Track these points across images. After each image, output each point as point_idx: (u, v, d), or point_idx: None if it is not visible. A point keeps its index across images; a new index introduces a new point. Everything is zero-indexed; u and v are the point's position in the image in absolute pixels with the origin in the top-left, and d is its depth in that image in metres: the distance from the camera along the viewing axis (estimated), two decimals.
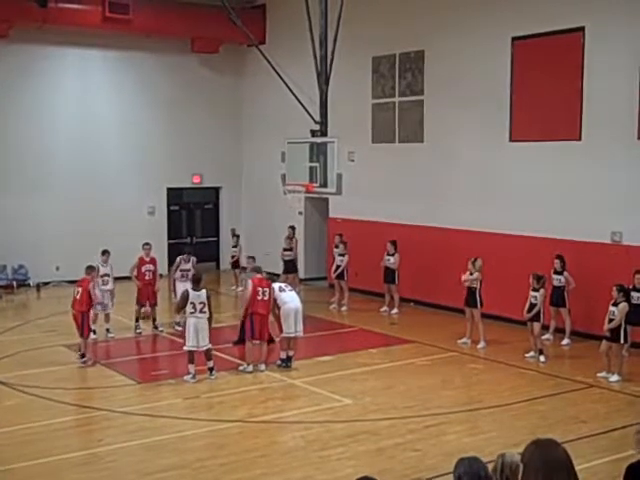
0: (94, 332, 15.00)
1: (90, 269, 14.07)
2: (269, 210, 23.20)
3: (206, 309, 12.67)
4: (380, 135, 19.89)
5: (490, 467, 4.36)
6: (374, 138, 20.05)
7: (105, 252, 15.72)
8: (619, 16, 14.78)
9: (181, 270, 16.32)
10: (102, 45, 21.86)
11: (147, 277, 15.89)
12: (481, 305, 14.76)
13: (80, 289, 13.61)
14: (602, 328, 12.71)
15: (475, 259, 14.80)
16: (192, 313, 12.59)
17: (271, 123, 22.95)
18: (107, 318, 15.55)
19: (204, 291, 12.80)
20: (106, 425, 10.84)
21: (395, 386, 12.50)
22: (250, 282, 13.21)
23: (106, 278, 15.46)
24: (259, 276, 13.42)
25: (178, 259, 16.62)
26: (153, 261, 16.14)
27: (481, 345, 14.81)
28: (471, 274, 14.73)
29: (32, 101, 21.26)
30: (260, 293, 13.04)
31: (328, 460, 9.35)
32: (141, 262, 15.95)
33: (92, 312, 14.39)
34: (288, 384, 12.66)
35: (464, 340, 15.06)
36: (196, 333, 12.53)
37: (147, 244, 16.22)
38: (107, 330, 15.41)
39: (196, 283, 12.98)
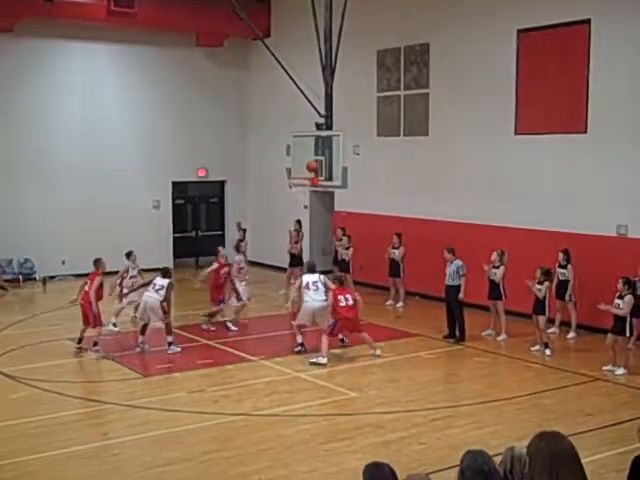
0: (115, 325, 15.37)
1: (97, 262, 14.20)
2: (274, 204, 23.18)
3: (163, 292, 13.66)
4: (385, 128, 19.85)
5: (497, 460, 4.34)
6: (379, 131, 20.02)
7: (131, 253, 15.80)
8: (625, 9, 14.73)
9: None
10: (107, 39, 21.86)
11: (224, 278, 15.75)
12: (505, 297, 14.80)
13: (89, 282, 13.81)
14: (608, 321, 12.70)
15: (502, 251, 14.81)
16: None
17: (276, 116, 22.92)
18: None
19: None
20: (112, 418, 10.89)
21: (400, 379, 12.51)
22: (331, 294, 13.57)
23: (134, 279, 15.71)
24: (335, 285, 13.77)
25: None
26: (229, 265, 16.15)
27: (502, 337, 14.84)
28: (495, 267, 14.76)
29: (38, 94, 21.24)
30: (342, 300, 13.47)
31: (334, 453, 9.38)
32: (220, 266, 15.79)
33: (116, 307, 15.31)
34: (293, 377, 12.67)
35: (488, 332, 15.13)
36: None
37: (222, 249, 16.47)
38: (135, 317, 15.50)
39: (165, 274, 14.05)
